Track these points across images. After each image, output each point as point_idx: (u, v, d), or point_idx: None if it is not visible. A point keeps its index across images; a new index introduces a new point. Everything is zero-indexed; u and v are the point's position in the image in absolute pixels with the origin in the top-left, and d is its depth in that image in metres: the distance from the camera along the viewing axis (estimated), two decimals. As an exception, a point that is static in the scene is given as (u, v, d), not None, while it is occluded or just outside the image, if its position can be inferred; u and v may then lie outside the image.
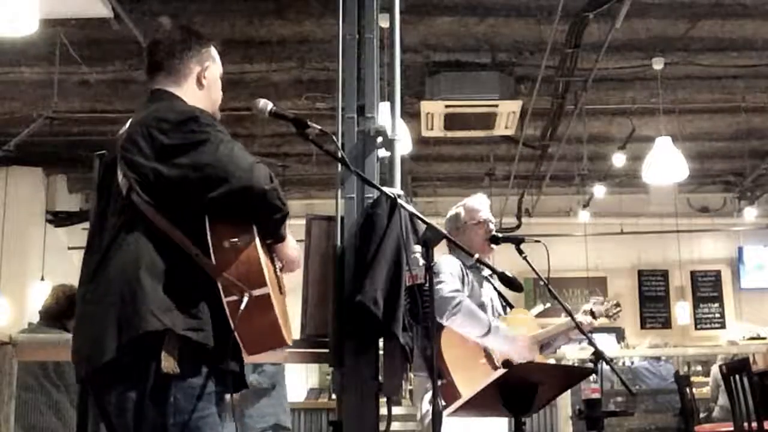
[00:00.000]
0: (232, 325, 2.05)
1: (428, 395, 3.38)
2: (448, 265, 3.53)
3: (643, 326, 11.37)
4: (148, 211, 2.08)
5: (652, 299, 11.50)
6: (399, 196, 2.73)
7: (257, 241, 2.12)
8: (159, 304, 2.01)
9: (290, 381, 10.89)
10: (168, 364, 2.00)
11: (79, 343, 2.12)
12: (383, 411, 2.82)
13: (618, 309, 3.81)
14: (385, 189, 2.73)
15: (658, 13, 6.02)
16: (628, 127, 8.04)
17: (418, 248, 2.55)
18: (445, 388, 3.21)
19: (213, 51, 2.45)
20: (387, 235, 2.78)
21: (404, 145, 5.17)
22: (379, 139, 2.99)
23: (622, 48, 6.47)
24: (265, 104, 2.48)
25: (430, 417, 3.29)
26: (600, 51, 6.10)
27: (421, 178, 10.37)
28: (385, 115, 3.07)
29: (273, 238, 2.23)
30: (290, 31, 6.22)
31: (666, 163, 6.79)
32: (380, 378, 2.83)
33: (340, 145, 2.93)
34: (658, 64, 6.60)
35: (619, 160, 8.42)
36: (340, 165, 2.87)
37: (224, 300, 2.05)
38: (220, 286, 2.06)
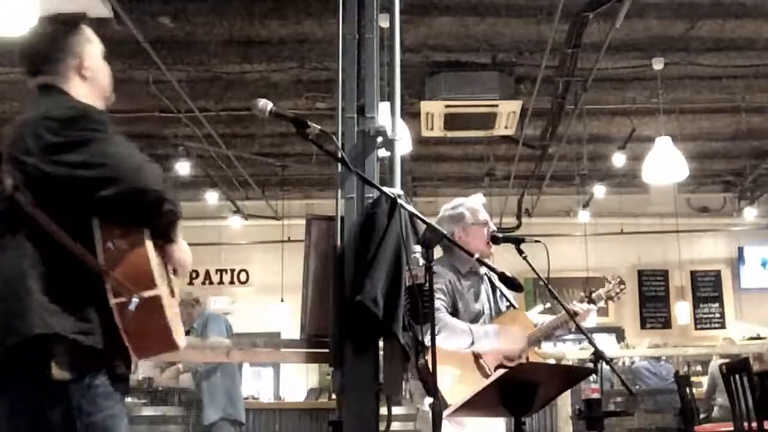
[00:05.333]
0: (120, 327, 2.01)
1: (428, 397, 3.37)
2: (435, 280, 3.50)
3: (643, 326, 11.37)
4: (33, 211, 2.02)
5: (652, 299, 11.50)
6: (399, 196, 2.73)
7: (147, 242, 2.08)
8: (46, 307, 1.97)
9: (290, 381, 10.93)
10: (57, 372, 1.96)
11: None
12: (383, 411, 2.82)
13: (622, 287, 3.74)
14: (385, 189, 2.73)
15: (658, 13, 6.02)
16: (628, 127, 8.04)
17: (418, 248, 2.55)
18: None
19: (87, 32, 2.31)
20: (387, 235, 2.77)
21: (404, 145, 5.17)
22: (379, 139, 2.99)
23: (622, 48, 6.47)
24: (265, 104, 2.48)
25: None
26: (600, 51, 6.10)
27: (421, 178, 10.38)
28: (385, 115, 3.07)
29: (164, 239, 2.18)
30: (290, 31, 6.22)
31: (666, 163, 6.79)
32: (380, 378, 2.83)
33: (340, 145, 2.93)
34: (658, 64, 6.60)
35: (619, 160, 8.42)
36: (340, 165, 2.87)
37: (112, 301, 2.01)
38: (108, 288, 2.01)
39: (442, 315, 3.38)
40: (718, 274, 11.55)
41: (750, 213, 10.71)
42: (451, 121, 7.11)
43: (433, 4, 5.93)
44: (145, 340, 2.07)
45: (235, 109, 7.56)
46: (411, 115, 7.09)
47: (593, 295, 3.71)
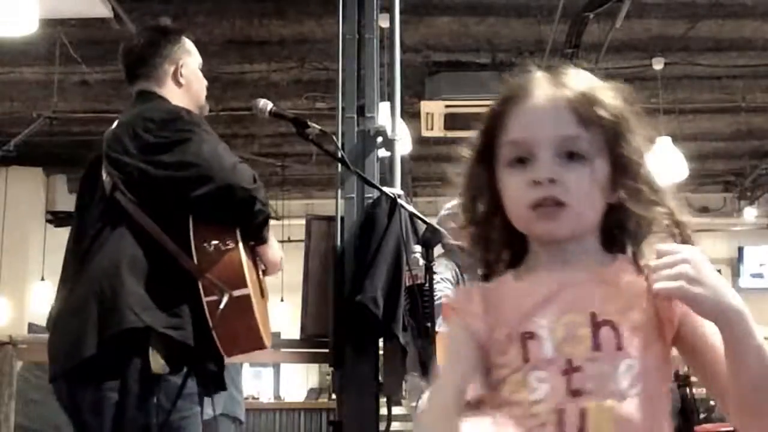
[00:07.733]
0: (210, 325, 2.04)
1: (425, 395, 3.38)
2: (442, 271, 3.53)
3: (643, 326, 11.36)
4: (132, 210, 2.08)
5: (652, 299, 11.50)
6: (399, 196, 2.74)
7: (240, 242, 2.12)
8: (139, 301, 2.02)
9: (290, 381, 10.92)
10: (156, 365, 2.00)
11: (58, 340, 2.10)
12: (383, 411, 2.82)
13: None
14: (385, 189, 2.73)
15: (658, 13, 6.02)
16: (628, 127, 8.03)
17: (418, 248, 2.55)
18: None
19: (187, 44, 2.43)
20: (387, 235, 2.78)
21: (404, 145, 5.17)
22: (379, 139, 2.99)
23: (622, 48, 6.47)
24: (265, 104, 2.49)
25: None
26: (600, 51, 6.10)
27: (421, 178, 10.37)
28: (385, 115, 3.08)
29: (255, 239, 2.23)
30: (290, 31, 6.22)
31: (666, 163, 6.79)
32: (380, 378, 2.83)
33: (340, 145, 2.93)
34: (658, 64, 6.60)
35: (619, 160, 8.41)
36: (340, 165, 2.87)
37: (204, 299, 2.05)
38: (200, 286, 2.06)
39: None
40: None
41: (750, 213, 10.69)
42: (451, 121, 7.11)
43: (433, 4, 5.93)
44: (235, 339, 2.11)
45: (235, 109, 7.54)
46: (411, 115, 7.08)
47: None
